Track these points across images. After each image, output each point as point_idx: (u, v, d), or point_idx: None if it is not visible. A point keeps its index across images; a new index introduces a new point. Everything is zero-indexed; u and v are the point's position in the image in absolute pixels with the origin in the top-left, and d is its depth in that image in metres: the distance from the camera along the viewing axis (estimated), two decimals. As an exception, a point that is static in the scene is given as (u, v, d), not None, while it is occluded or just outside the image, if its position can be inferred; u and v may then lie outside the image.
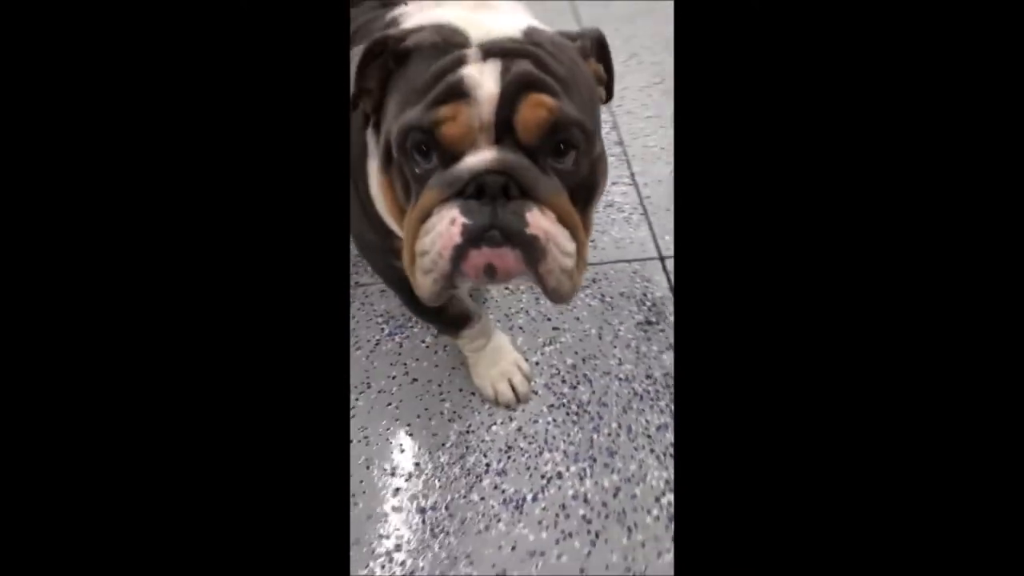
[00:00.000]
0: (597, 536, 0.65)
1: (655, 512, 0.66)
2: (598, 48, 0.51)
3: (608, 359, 0.81)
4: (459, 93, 0.42)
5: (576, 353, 0.82)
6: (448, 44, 0.45)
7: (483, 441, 0.74)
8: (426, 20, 0.48)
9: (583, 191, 0.46)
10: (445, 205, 0.42)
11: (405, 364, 0.83)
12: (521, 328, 0.87)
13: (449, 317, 0.71)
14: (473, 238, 0.42)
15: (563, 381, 0.79)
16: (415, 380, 0.82)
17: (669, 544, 0.63)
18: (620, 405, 0.76)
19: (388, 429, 0.76)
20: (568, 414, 0.76)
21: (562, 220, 0.44)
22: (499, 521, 0.67)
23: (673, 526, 0.65)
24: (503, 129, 0.42)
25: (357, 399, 0.80)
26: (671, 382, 0.78)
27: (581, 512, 0.67)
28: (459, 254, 0.42)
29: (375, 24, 0.58)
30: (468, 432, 0.75)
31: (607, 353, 0.82)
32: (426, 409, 0.78)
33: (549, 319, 0.87)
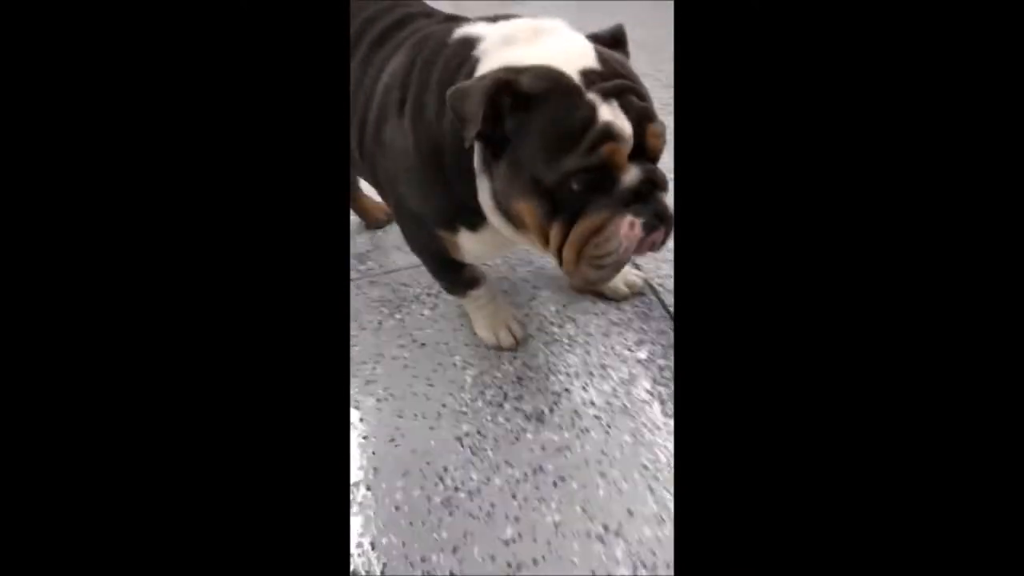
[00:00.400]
0: (609, 426, 0.79)
1: (650, 401, 0.81)
2: (624, 41, 0.66)
3: (584, 302, 0.97)
4: (611, 135, 0.55)
5: (557, 301, 0.98)
6: (562, 88, 0.56)
7: (495, 378, 0.86)
8: (504, 62, 0.58)
9: None
10: (619, 216, 0.57)
11: (411, 335, 0.94)
12: (505, 292, 1.01)
13: (464, 279, 0.85)
14: (649, 230, 0.58)
15: (551, 323, 0.94)
16: (423, 345, 0.93)
17: (663, 422, 0.79)
18: (602, 332, 0.92)
19: (410, 386, 0.86)
20: (562, 346, 0.90)
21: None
22: (526, 432, 0.79)
23: (668, 410, 0.80)
24: (637, 151, 0.58)
25: (375, 368, 0.89)
26: (640, 311, 0.94)
27: (591, 412, 0.81)
28: (640, 244, 0.59)
29: (438, 37, 0.66)
30: (481, 374, 0.87)
31: (582, 298, 0.98)
32: (440, 364, 0.89)
33: (527, 281, 1.02)
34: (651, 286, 0.98)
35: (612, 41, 0.65)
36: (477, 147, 0.62)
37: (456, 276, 0.84)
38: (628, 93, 0.57)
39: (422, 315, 0.98)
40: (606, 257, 0.59)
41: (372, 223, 1.18)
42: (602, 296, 0.97)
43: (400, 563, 0.67)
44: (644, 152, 0.58)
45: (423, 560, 0.67)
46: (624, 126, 0.56)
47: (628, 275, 0.95)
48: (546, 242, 0.61)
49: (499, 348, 0.90)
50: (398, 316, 0.98)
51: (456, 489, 0.73)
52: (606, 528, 0.68)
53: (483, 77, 0.56)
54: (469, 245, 0.73)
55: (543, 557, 0.66)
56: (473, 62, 0.61)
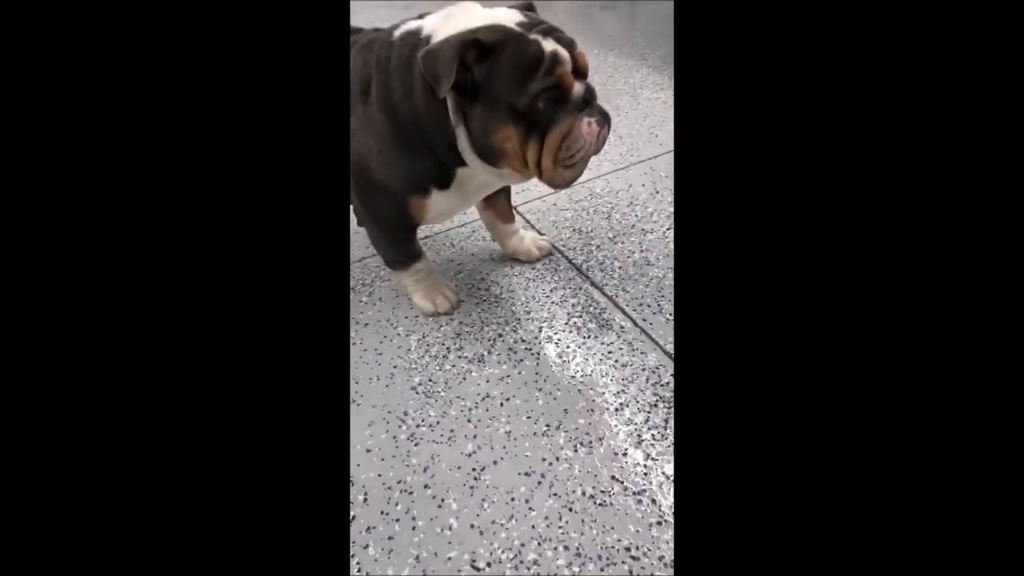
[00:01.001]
0: (539, 355, 0.93)
1: (569, 331, 0.97)
2: (532, 7, 0.84)
3: (503, 268, 1.12)
4: (559, 60, 0.73)
5: (480, 272, 1.12)
6: (513, 35, 0.72)
7: (437, 338, 0.99)
8: (459, 27, 0.74)
9: None
10: (578, 121, 0.75)
11: (354, 319, 1.05)
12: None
13: (412, 251, 0.98)
14: (601, 124, 0.77)
15: (478, 288, 1.08)
16: (367, 324, 1.03)
17: (581, 342, 0.94)
18: (521, 287, 1.07)
19: (360, 358, 0.97)
20: (490, 303, 1.04)
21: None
22: (471, 373, 0.92)
23: (585, 333, 0.96)
24: (574, 71, 0.75)
25: (326, 350, 0.99)
26: (550, 267, 1.10)
27: (523, 347, 0.95)
28: (600, 139, 0.77)
29: (382, 38, 0.81)
30: (424, 337, 0.99)
31: (499, 267, 1.13)
32: (385, 336, 1.00)
33: (452, 260, 1.16)
34: (556, 248, 1.15)
35: (526, 7, 0.83)
36: (452, 101, 0.76)
37: (406, 247, 0.97)
38: (556, 31, 0.76)
39: (360, 302, 1.08)
40: (576, 154, 0.76)
41: None
42: (518, 260, 1.12)
43: (378, 489, 0.76)
44: (578, 71, 0.76)
45: (399, 482, 0.77)
46: (564, 53, 0.74)
47: (538, 240, 1.12)
48: (525, 162, 0.77)
49: (437, 314, 1.02)
50: (340, 306, 1.08)
51: (418, 426, 0.84)
52: (548, 426, 0.82)
53: (447, 39, 0.71)
54: (439, 203, 0.87)
55: (500, 458, 0.79)
56: (425, 41, 0.76)
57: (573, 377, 0.89)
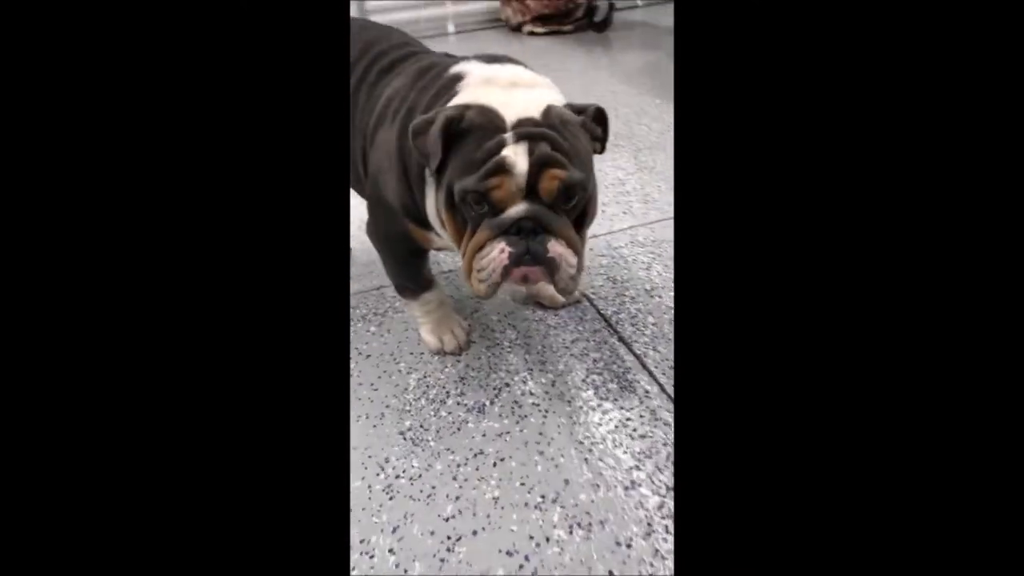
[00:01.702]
0: (547, 412, 0.82)
1: (586, 389, 0.85)
2: (598, 117, 0.73)
3: (523, 311, 1.02)
4: (503, 169, 0.63)
5: (499, 312, 1.03)
6: (490, 127, 0.65)
7: (439, 379, 0.89)
8: (472, 99, 0.68)
9: (580, 219, 0.69)
10: (495, 241, 0.65)
11: (356, 348, 0.97)
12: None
13: (421, 279, 0.91)
14: (515, 261, 0.65)
15: (493, 330, 0.98)
16: (368, 356, 0.95)
17: (597, 404, 0.82)
18: (541, 333, 0.97)
19: (353, 392, 0.88)
20: (503, 348, 0.94)
21: (570, 245, 0.66)
22: (467, 423, 0.81)
23: (603, 394, 0.84)
24: (531, 190, 0.64)
25: (320, 379, 0.91)
26: (575, 315, 1.00)
27: (530, 401, 0.84)
28: (506, 272, 0.66)
29: (439, 68, 0.78)
30: (425, 377, 0.90)
31: (520, 309, 1.03)
32: (384, 371, 0.92)
33: (470, 298, 1.07)
34: (585, 296, 1.04)
35: (586, 113, 0.72)
36: (428, 175, 0.72)
37: (414, 273, 0.90)
38: (542, 140, 0.65)
39: (368, 332, 1.01)
40: (482, 272, 0.67)
41: None
42: (540, 305, 1.03)
43: (339, 546, 0.66)
44: (537, 194, 0.65)
45: (362, 541, 0.67)
46: (518, 163, 0.63)
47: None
48: (461, 249, 0.70)
49: (443, 352, 0.93)
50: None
51: (397, 477, 0.74)
52: (543, 497, 0.70)
53: (438, 113, 0.67)
54: (435, 237, 0.80)
55: (482, 528, 0.67)
56: (453, 95, 0.72)
57: (581, 443, 0.77)
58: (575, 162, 0.66)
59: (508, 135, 0.65)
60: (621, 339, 0.94)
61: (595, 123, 0.72)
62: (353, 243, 1.26)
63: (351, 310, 1.07)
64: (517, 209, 0.64)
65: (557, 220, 0.66)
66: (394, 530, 0.68)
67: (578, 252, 0.68)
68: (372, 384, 0.89)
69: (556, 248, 0.66)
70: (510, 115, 0.66)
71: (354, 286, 1.14)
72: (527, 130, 0.65)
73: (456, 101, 0.70)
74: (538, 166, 0.64)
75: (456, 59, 0.81)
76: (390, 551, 0.66)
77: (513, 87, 0.71)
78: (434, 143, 0.65)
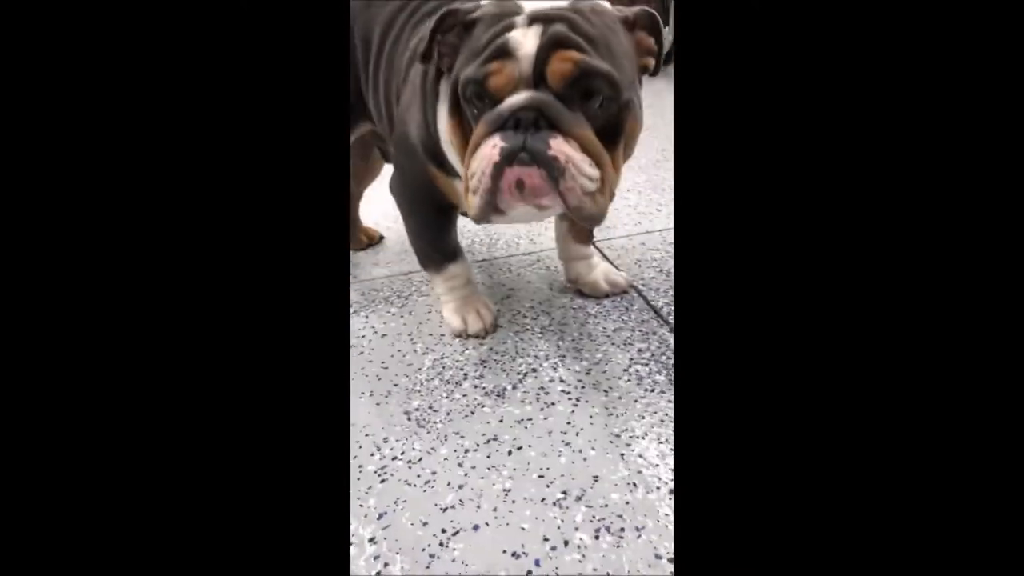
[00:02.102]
0: (578, 400, 0.68)
1: (627, 380, 0.71)
2: (648, 21, 0.60)
3: (561, 298, 0.90)
4: (504, 52, 0.53)
5: (532, 299, 0.91)
6: (504, 13, 0.56)
7: (457, 361, 0.78)
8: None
9: (610, 130, 0.56)
10: (491, 136, 0.53)
11: (373, 327, 0.87)
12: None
13: (446, 247, 0.80)
14: (507, 158, 0.52)
15: (524, 316, 0.86)
16: (384, 336, 0.85)
17: (640, 395, 0.68)
18: (579, 321, 0.84)
19: (361, 368, 0.78)
20: (533, 334, 0.82)
21: (586, 149, 0.53)
22: (483, 407, 0.69)
23: (647, 384, 0.70)
24: (538, 79, 0.53)
25: (328, 355, 0.81)
26: (620, 305, 0.87)
27: (559, 388, 0.70)
28: (497, 172, 0.53)
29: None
30: (442, 359, 0.79)
31: (557, 297, 0.91)
32: (399, 350, 0.81)
33: (503, 284, 0.96)
34: (634, 287, 0.91)
35: (632, 17, 0.60)
36: (443, 85, 0.64)
37: (438, 236, 0.79)
38: (558, 21, 0.53)
39: (388, 312, 0.91)
40: (472, 179, 0.55)
41: (354, 245, 1.16)
42: (581, 293, 0.90)
43: (312, 529, 0.54)
44: (546, 81, 0.53)
45: (340, 526, 0.55)
46: (523, 45, 0.53)
47: (611, 273, 0.90)
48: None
49: (466, 334, 0.82)
50: (363, 314, 0.91)
51: (394, 458, 0.62)
52: (565, 494, 0.56)
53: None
54: (460, 184, 0.70)
55: (486, 523, 0.54)
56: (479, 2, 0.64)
57: (617, 436, 0.62)
58: (601, 50, 0.54)
59: (519, 18, 0.55)
60: (672, 330, 0.80)
61: (645, 32, 0.60)
62: (386, 232, 1.19)
63: (375, 293, 0.98)
64: (517, 97, 0.52)
65: (568, 115, 0.53)
66: (380, 516, 0.55)
67: (601, 163, 0.54)
68: (383, 362, 0.79)
69: (562, 147, 0.52)
70: (531, 5, 0.56)
71: (382, 271, 1.05)
72: (542, 11, 0.54)
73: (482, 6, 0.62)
74: (547, 48, 0.52)
75: None
76: (370, 540, 0.53)
77: None
78: (428, 33, 0.58)
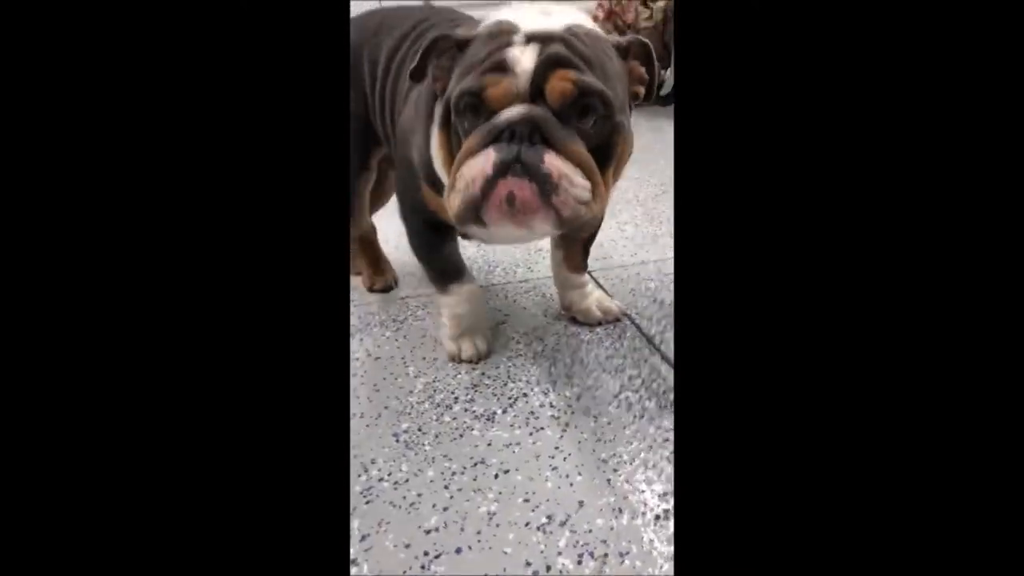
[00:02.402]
0: (567, 425, 0.68)
1: (614, 405, 0.71)
2: (640, 50, 0.61)
3: (555, 325, 0.91)
4: (503, 67, 0.54)
5: (526, 325, 0.91)
6: (501, 32, 0.57)
7: (448, 384, 0.78)
8: (492, 17, 0.61)
9: (602, 150, 0.57)
10: (484, 148, 0.53)
11: (367, 350, 0.88)
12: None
13: (448, 264, 0.80)
14: (500, 170, 0.52)
15: (518, 342, 0.87)
16: (378, 359, 0.86)
17: (630, 421, 0.68)
18: (571, 348, 0.84)
19: (353, 390, 0.78)
20: (525, 360, 0.82)
21: (578, 165, 0.54)
22: (472, 430, 0.69)
23: (637, 411, 0.70)
24: (535, 95, 0.54)
25: (321, 376, 0.82)
26: (613, 334, 0.87)
27: (549, 413, 0.70)
28: (489, 184, 0.53)
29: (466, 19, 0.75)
30: (433, 382, 0.79)
31: (551, 324, 0.91)
32: (391, 373, 0.82)
33: (499, 310, 0.97)
34: (627, 315, 0.92)
35: (625, 45, 0.62)
36: (437, 106, 0.65)
37: (437, 254, 0.79)
38: (555, 42, 0.55)
39: (383, 336, 0.92)
40: (460, 182, 0.55)
41: (378, 283, 1.09)
42: (575, 320, 0.91)
43: (294, 549, 0.54)
44: (544, 97, 0.54)
45: (322, 546, 0.54)
46: (522, 61, 0.54)
47: (604, 301, 0.90)
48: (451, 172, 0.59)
49: (458, 359, 0.82)
50: (359, 337, 0.92)
51: (380, 480, 0.62)
52: (550, 518, 0.56)
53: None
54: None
55: (468, 547, 0.53)
56: (476, 23, 0.65)
57: (605, 462, 0.62)
58: (596, 71, 0.55)
59: (516, 36, 0.56)
60: (664, 358, 0.80)
61: (637, 60, 0.62)
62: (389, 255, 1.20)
63: (371, 317, 0.99)
64: (513, 110, 0.53)
65: (563, 132, 0.54)
66: (363, 538, 0.55)
67: (593, 178, 0.55)
68: (375, 385, 0.79)
69: (555, 162, 0.52)
70: (527, 26, 0.57)
71: (378, 295, 1.06)
72: (540, 31, 0.56)
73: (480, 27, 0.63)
74: (545, 66, 0.53)
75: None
76: (352, 562, 0.53)
77: (544, 14, 0.61)
78: (421, 54, 0.60)
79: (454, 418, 0.71)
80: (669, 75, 2.96)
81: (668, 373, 0.77)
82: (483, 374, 0.80)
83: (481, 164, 0.53)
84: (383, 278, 1.08)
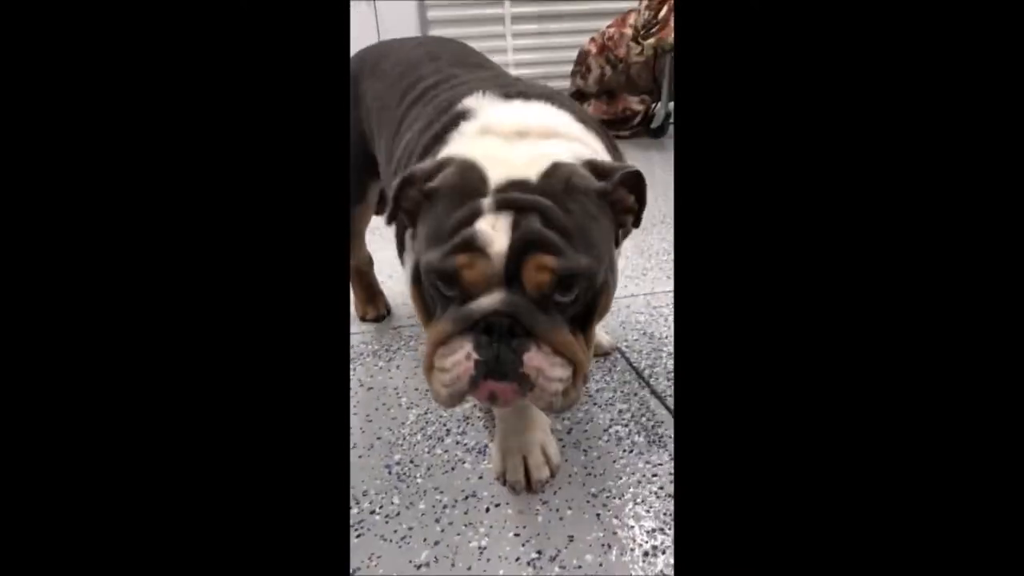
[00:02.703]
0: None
1: (604, 439, 0.72)
2: (632, 181, 0.56)
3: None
4: (474, 247, 0.48)
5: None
6: (467, 189, 0.51)
7: (440, 417, 0.79)
8: (457, 152, 0.55)
9: (584, 315, 0.52)
10: (461, 337, 0.49)
11: (360, 380, 0.89)
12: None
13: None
14: (483, 372, 0.49)
15: (509, 374, 0.88)
16: (370, 389, 0.87)
17: (620, 455, 0.69)
18: (562, 380, 0.85)
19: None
20: (517, 392, 0.83)
21: (559, 352, 0.49)
22: (463, 463, 0.69)
23: (626, 446, 0.71)
24: (512, 279, 0.48)
25: (314, 406, 0.82)
26: (604, 367, 0.89)
27: (540, 446, 0.71)
28: (472, 383, 0.50)
29: (448, 101, 0.65)
30: (426, 413, 0.80)
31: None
32: (384, 403, 0.82)
33: (491, 342, 0.98)
34: (618, 349, 0.93)
35: (612, 178, 0.54)
36: (407, 238, 0.62)
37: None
38: (531, 212, 0.49)
39: (376, 366, 0.93)
40: (444, 375, 0.51)
41: (371, 313, 1.11)
42: (565, 353, 0.92)
43: (284, 583, 0.54)
44: (520, 281, 0.48)
45: (313, 580, 0.54)
46: (495, 241, 0.48)
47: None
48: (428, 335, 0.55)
49: (502, 480, 0.68)
50: (351, 367, 0.93)
51: (372, 512, 0.62)
52: (540, 553, 0.56)
53: (411, 171, 0.56)
54: None
55: (459, 581, 0.54)
56: (440, 146, 0.60)
57: (594, 496, 0.63)
58: (577, 243, 0.49)
59: (486, 201, 0.49)
60: (654, 392, 0.81)
61: (626, 190, 0.56)
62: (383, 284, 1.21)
63: (364, 346, 0.99)
64: (490, 299, 0.48)
65: (543, 320, 0.49)
66: (353, 573, 0.55)
67: (575, 360, 0.50)
68: (367, 416, 0.80)
69: (535, 360, 0.49)
70: (497, 174, 0.51)
71: (371, 324, 1.07)
72: (512, 197, 0.49)
73: (443, 152, 0.58)
74: (521, 248, 0.48)
75: (476, 85, 0.67)
76: (343, 596, 0.53)
77: (519, 137, 0.56)
78: (394, 196, 0.54)
79: (446, 451, 0.72)
80: (659, 108, 3.04)
81: (657, 407, 0.78)
82: (475, 406, 0.81)
83: (464, 364, 0.50)
84: (375, 308, 1.10)
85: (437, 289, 0.51)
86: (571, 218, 0.50)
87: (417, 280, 0.54)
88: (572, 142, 0.58)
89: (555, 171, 0.52)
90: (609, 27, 3.12)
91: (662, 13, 3.01)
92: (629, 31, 3.13)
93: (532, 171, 0.51)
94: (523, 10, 3.29)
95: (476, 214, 0.49)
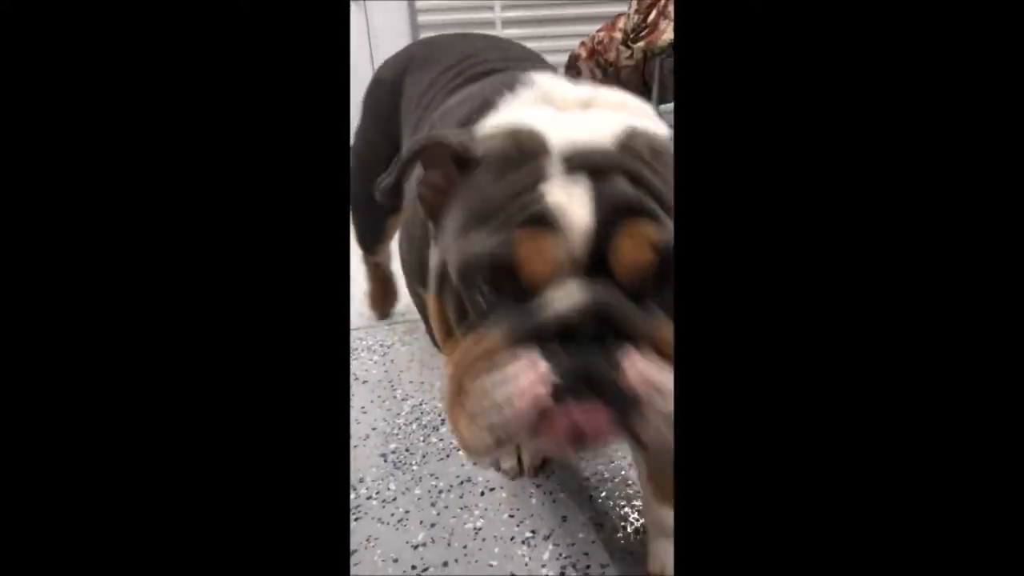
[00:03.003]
0: (550, 445, 0.70)
1: (597, 426, 0.74)
2: None
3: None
4: (543, 221, 0.34)
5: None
6: (524, 152, 0.38)
7: (435, 407, 0.80)
8: (506, 121, 0.42)
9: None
10: (521, 351, 0.34)
11: (355, 374, 0.90)
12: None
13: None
14: (559, 394, 0.33)
15: (503, 366, 0.90)
16: (365, 382, 0.88)
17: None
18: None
19: (343, 413, 0.80)
20: (510, 383, 0.85)
21: (663, 354, 0.34)
22: (459, 451, 0.71)
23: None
24: (596, 264, 0.34)
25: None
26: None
27: (533, 433, 0.73)
28: (543, 416, 0.33)
29: (502, 80, 0.53)
30: (420, 404, 0.81)
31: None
32: (379, 396, 0.84)
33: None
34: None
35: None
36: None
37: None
38: (615, 173, 0.36)
39: (371, 360, 0.94)
40: (486, 403, 0.34)
41: (385, 308, 1.11)
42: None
43: (284, 565, 0.55)
44: (607, 266, 0.35)
45: (312, 562, 0.56)
46: (571, 209, 0.35)
47: None
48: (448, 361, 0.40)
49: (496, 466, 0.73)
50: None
51: (369, 498, 0.64)
52: (534, 533, 0.58)
53: (430, 135, 0.45)
54: None
55: (455, 560, 0.55)
56: (487, 112, 0.48)
57: (587, 479, 0.65)
58: (669, 209, 0.37)
59: (552, 160, 0.37)
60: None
61: None
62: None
63: (358, 341, 1.01)
64: (566, 296, 0.34)
65: (644, 317, 0.34)
66: (352, 553, 0.56)
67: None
68: (363, 407, 0.81)
69: (638, 369, 0.33)
70: (559, 139, 0.38)
71: (365, 320, 1.09)
72: (587, 151, 0.37)
73: (490, 121, 0.45)
74: (609, 218, 0.35)
75: (544, 70, 0.56)
76: None
77: (585, 107, 0.45)
78: (403, 163, 0.41)
79: (441, 439, 0.73)
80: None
81: (647, 395, 0.80)
82: (469, 396, 0.82)
83: (527, 383, 0.33)
84: (388, 304, 1.10)
85: (479, 290, 0.36)
86: (658, 178, 0.37)
87: (442, 287, 0.40)
88: (646, 119, 0.45)
89: (634, 135, 0.39)
90: (599, 31, 3.16)
91: (651, 17, 3.06)
92: (619, 35, 3.17)
93: (606, 136, 0.39)
94: (514, 15, 3.32)
95: (539, 177, 0.36)
